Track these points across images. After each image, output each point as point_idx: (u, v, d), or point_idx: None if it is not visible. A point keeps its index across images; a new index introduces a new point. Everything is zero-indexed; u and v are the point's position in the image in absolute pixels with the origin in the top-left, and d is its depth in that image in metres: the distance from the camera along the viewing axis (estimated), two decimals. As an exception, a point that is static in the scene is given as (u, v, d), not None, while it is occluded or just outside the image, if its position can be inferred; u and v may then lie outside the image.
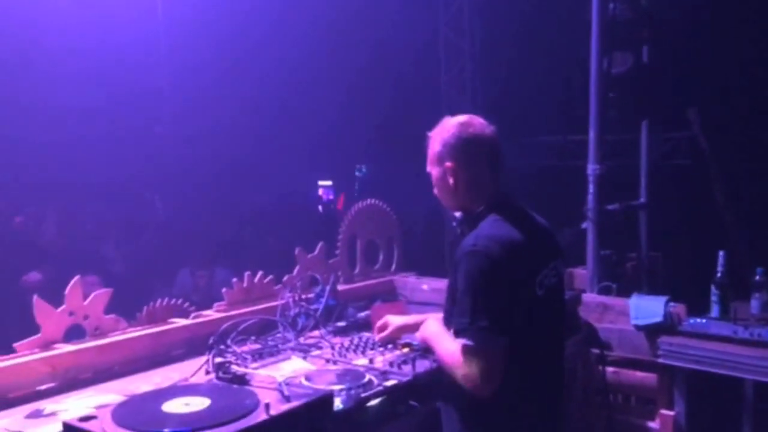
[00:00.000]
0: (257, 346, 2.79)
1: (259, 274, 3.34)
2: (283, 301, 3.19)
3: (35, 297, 2.57)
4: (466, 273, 2.05)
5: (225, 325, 2.77)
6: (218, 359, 2.40)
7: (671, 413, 3.22)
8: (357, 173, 11.94)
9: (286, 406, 1.95)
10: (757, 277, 3.37)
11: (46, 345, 2.54)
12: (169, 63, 7.66)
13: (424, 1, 7.95)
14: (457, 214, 2.28)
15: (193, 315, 3.01)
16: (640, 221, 4.66)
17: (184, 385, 2.30)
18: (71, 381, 2.49)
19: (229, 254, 6.55)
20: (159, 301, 2.96)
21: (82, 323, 2.67)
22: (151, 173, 7.93)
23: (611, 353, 3.39)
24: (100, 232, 6.83)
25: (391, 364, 2.51)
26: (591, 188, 3.96)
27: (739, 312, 3.31)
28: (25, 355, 2.46)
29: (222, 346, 2.65)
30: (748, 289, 3.40)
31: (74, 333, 2.70)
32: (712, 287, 3.35)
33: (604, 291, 3.84)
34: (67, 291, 2.62)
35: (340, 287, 3.49)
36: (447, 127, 2.26)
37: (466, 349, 2.04)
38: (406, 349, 2.71)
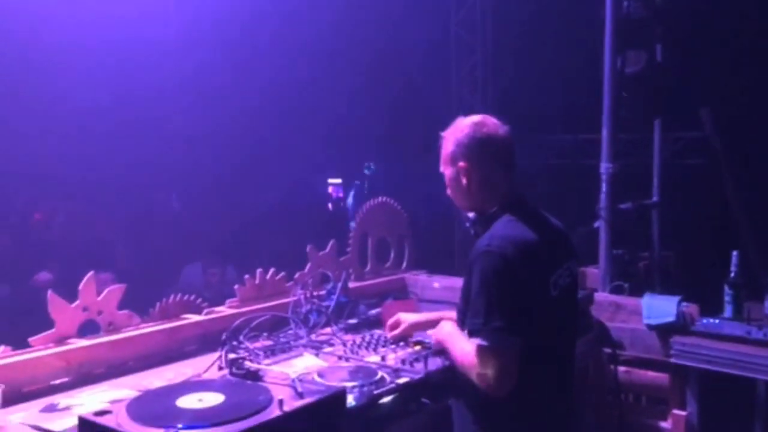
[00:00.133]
0: (269, 342, 2.80)
1: (271, 271, 3.36)
2: (294, 298, 3.20)
3: (50, 292, 2.59)
4: (481, 273, 2.05)
5: (237, 322, 2.78)
6: (231, 355, 2.41)
7: (683, 413, 3.20)
8: (366, 171, 11.94)
9: (299, 403, 1.96)
10: (771, 278, 3.35)
11: (61, 340, 2.56)
12: (179, 61, 7.67)
13: (436, 1, 7.94)
14: (471, 214, 2.27)
15: (205, 311, 3.03)
16: (652, 220, 4.63)
17: (198, 381, 2.31)
18: (85, 376, 2.50)
19: (238, 252, 6.58)
20: (172, 297, 2.97)
21: (96, 319, 2.69)
22: (162, 171, 7.96)
23: (623, 352, 3.38)
24: (112, 229, 6.87)
25: (403, 361, 2.52)
26: (604, 187, 3.94)
27: (753, 312, 3.29)
28: (40, 350, 2.48)
29: (234, 343, 2.67)
30: (761, 289, 3.37)
31: (88, 328, 2.72)
32: (726, 287, 3.33)
33: (617, 290, 3.83)
34: (81, 287, 2.64)
35: (351, 284, 3.49)
36: (461, 127, 2.26)
37: (480, 350, 2.04)
38: (418, 347, 2.71)
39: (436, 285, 3.83)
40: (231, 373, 2.30)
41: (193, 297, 3.04)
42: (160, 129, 7.68)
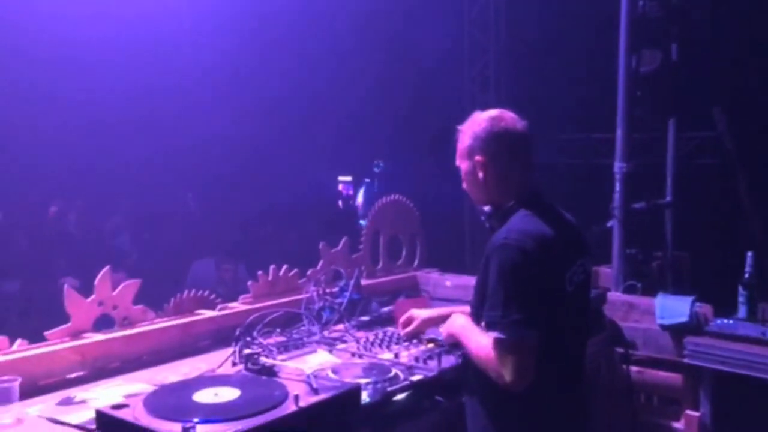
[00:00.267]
0: (282, 338, 2.81)
1: (284, 267, 3.37)
2: (307, 295, 3.21)
3: (66, 287, 2.61)
4: (499, 266, 2.05)
5: (251, 318, 2.79)
6: (246, 351, 2.42)
7: (697, 414, 3.19)
8: (375, 169, 11.93)
9: (314, 399, 1.97)
10: (786, 278, 3.33)
11: (76, 334, 2.58)
12: (195, 60, 7.71)
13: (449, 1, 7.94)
14: (486, 208, 2.27)
15: (219, 307, 3.04)
16: (665, 220, 4.61)
17: (214, 376, 2.32)
18: (100, 370, 2.52)
19: (248, 249, 6.61)
20: (186, 292, 2.99)
21: (111, 313, 2.71)
22: (177, 169, 8.01)
23: (636, 352, 3.37)
24: (126, 225, 6.92)
25: (416, 359, 2.52)
26: (618, 186, 3.93)
27: (767, 313, 3.27)
28: (56, 344, 2.50)
29: (248, 338, 2.68)
30: (776, 290, 3.35)
31: (102, 323, 2.74)
32: (740, 288, 3.30)
33: (630, 290, 3.81)
34: (96, 281, 2.65)
35: (363, 282, 3.50)
36: (478, 121, 2.25)
37: (498, 343, 2.03)
38: (431, 345, 2.71)
39: (448, 283, 3.83)
40: (246, 369, 2.31)
41: (206, 293, 3.05)
42: (175, 127, 7.72)
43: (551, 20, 7.12)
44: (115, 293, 2.70)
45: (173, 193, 8.22)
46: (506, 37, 7.87)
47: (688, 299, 3.29)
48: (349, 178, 11.56)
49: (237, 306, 3.10)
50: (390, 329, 3.01)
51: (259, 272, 3.29)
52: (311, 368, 2.31)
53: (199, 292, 3.04)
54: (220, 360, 2.56)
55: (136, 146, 7.41)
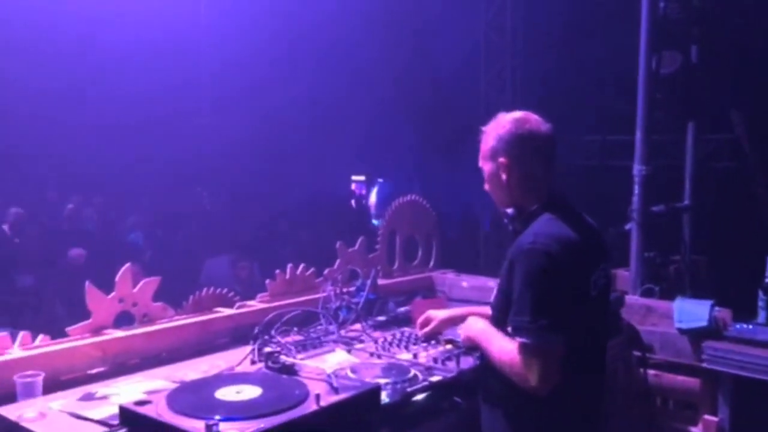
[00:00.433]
0: (300, 337, 2.82)
1: (301, 266, 3.37)
2: (324, 294, 3.21)
3: (87, 284, 2.63)
4: (526, 270, 2.04)
5: (270, 316, 2.80)
6: (267, 349, 2.43)
7: (715, 419, 3.17)
8: (388, 169, 11.94)
9: (335, 398, 1.98)
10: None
11: (97, 330, 2.60)
12: (215, 61, 7.78)
13: (467, 1, 7.93)
14: (509, 210, 2.26)
15: (237, 305, 3.05)
16: (683, 223, 4.58)
17: (236, 374, 2.33)
18: (120, 366, 2.54)
19: (262, 247, 6.63)
20: (205, 290, 3.00)
21: (131, 310, 2.72)
22: (194, 169, 8.07)
23: (653, 356, 3.35)
24: (142, 223, 6.96)
25: (435, 359, 2.52)
26: (636, 189, 3.90)
27: (787, 319, 3.24)
28: (78, 340, 2.52)
29: (266, 337, 2.69)
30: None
31: (122, 319, 2.76)
32: (760, 292, 3.28)
33: (647, 293, 3.79)
34: (117, 278, 2.67)
35: (379, 282, 3.50)
36: (502, 123, 2.24)
37: (524, 348, 2.03)
38: (449, 346, 2.71)
39: (464, 284, 3.82)
40: (267, 367, 2.32)
41: (225, 290, 3.07)
42: (193, 128, 7.79)
43: (568, 22, 7.10)
44: (135, 290, 2.72)
45: (189, 191, 8.28)
46: (523, 39, 7.85)
47: (707, 303, 3.26)
48: (362, 178, 11.61)
49: (255, 304, 3.12)
50: (407, 330, 3.01)
51: (277, 271, 3.30)
52: (331, 367, 2.31)
53: (218, 290, 3.05)
54: (238, 358, 2.56)
55: (155, 146, 7.48)
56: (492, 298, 2.32)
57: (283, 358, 2.35)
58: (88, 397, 2.24)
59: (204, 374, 2.40)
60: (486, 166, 2.28)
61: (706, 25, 4.10)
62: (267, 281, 3.26)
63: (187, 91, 7.64)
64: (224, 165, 8.21)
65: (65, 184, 7.38)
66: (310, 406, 1.91)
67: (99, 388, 2.31)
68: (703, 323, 3.19)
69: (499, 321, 2.20)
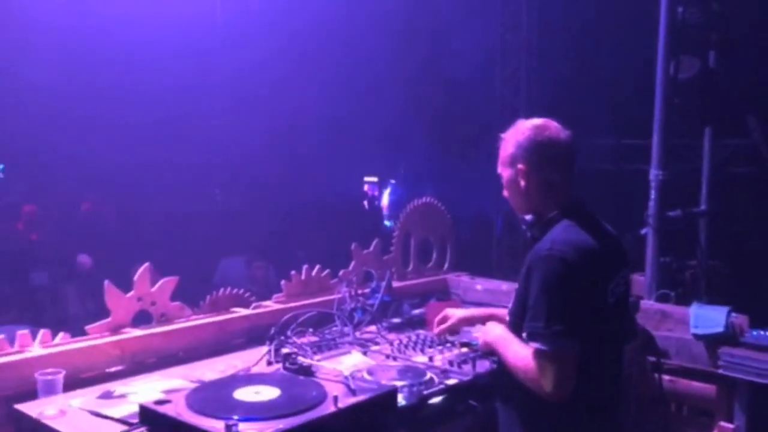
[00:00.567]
0: (315, 338, 2.83)
1: (317, 267, 3.39)
2: (339, 296, 3.22)
3: (107, 283, 2.65)
4: (542, 277, 2.04)
5: (286, 317, 2.82)
6: (284, 350, 2.44)
7: (731, 426, 3.15)
8: (401, 170, 11.95)
9: (353, 400, 1.99)
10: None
11: (116, 329, 2.62)
12: (229, 62, 7.82)
13: (482, 5, 7.93)
14: (527, 217, 2.26)
15: (253, 305, 3.07)
16: (700, 229, 4.55)
17: (254, 374, 2.35)
18: (138, 365, 2.57)
19: (274, 248, 6.66)
20: (222, 290, 3.02)
21: (149, 309, 2.74)
22: (208, 169, 8.13)
23: (668, 361, 3.33)
24: (159, 221, 7.01)
25: (450, 363, 2.53)
26: (653, 194, 3.88)
27: (805, 325, 3.22)
28: (97, 338, 2.54)
29: (282, 337, 2.71)
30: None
31: (138, 318, 2.78)
32: (777, 299, 3.26)
33: (663, 298, 3.77)
34: (136, 277, 2.70)
35: (394, 284, 3.51)
36: (521, 130, 2.24)
37: (539, 354, 2.03)
38: (464, 349, 2.71)
39: (478, 287, 3.82)
40: (284, 368, 2.33)
41: (241, 291, 3.09)
42: (211, 128, 7.84)
43: (584, 24, 7.08)
44: (153, 290, 2.74)
45: (203, 191, 8.33)
46: (538, 41, 7.84)
47: (724, 309, 3.24)
48: (374, 179, 11.62)
49: (270, 305, 3.14)
50: (422, 332, 3.02)
51: (293, 272, 3.31)
52: (347, 369, 2.32)
53: (234, 290, 3.07)
54: (254, 358, 2.58)
55: (173, 146, 7.53)
56: (510, 304, 2.32)
57: (300, 359, 2.36)
58: (107, 396, 2.26)
59: (221, 374, 2.42)
60: (505, 173, 2.28)
61: (725, 30, 4.07)
62: (282, 282, 3.27)
63: (205, 92, 7.70)
64: (240, 165, 8.25)
65: (82, 183, 7.44)
66: (328, 408, 1.92)
67: (117, 387, 2.33)
68: (720, 329, 3.17)
69: (515, 326, 2.20)
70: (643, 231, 3.89)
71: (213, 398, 1.97)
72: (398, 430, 2.15)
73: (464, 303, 3.65)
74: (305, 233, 7.57)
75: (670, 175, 3.97)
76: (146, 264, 2.71)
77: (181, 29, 7.11)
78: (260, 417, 1.85)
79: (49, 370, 2.24)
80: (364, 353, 2.68)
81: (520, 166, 2.22)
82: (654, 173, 3.87)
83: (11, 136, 7.65)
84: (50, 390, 2.20)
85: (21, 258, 6.50)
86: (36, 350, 2.40)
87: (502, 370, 2.25)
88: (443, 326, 2.76)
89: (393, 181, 11.85)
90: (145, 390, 2.29)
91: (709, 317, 3.23)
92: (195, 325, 2.78)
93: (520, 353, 2.11)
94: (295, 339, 2.74)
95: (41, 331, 2.46)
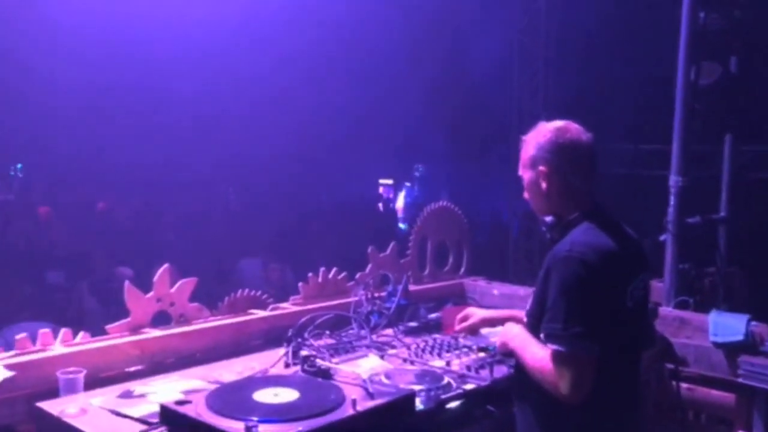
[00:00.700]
0: (332, 341, 2.83)
1: (334, 270, 3.40)
2: (356, 298, 3.23)
3: (127, 283, 2.67)
4: (561, 278, 2.04)
5: (303, 319, 2.83)
6: (303, 352, 2.45)
7: (749, 435, 3.12)
8: (416, 173, 11.97)
9: (371, 403, 1.99)
10: None
11: (135, 329, 2.64)
12: (248, 67, 7.88)
13: (500, 8, 7.93)
14: (548, 218, 2.25)
15: (270, 307, 3.08)
16: (719, 235, 4.51)
17: (273, 376, 2.36)
18: (157, 365, 2.58)
19: (290, 249, 6.68)
20: (240, 291, 3.04)
21: (168, 310, 2.76)
22: (226, 168, 8.18)
23: (687, 369, 3.30)
24: (174, 222, 7.06)
25: (468, 367, 2.52)
26: (672, 200, 3.85)
27: (826, 334, 3.18)
28: (117, 338, 2.56)
29: (299, 339, 2.71)
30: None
31: (156, 319, 2.80)
32: (797, 308, 3.22)
33: (681, 305, 3.74)
34: (155, 278, 2.72)
35: (410, 287, 3.50)
36: (543, 132, 2.24)
37: (557, 355, 2.03)
38: (482, 353, 2.71)
39: (495, 292, 3.81)
40: (303, 370, 2.34)
41: (259, 292, 3.10)
42: (231, 131, 7.89)
43: (602, 29, 7.06)
44: (172, 290, 2.76)
45: (220, 193, 8.38)
46: (556, 45, 7.81)
47: (744, 317, 3.21)
48: (390, 182, 11.64)
49: (288, 307, 3.14)
50: (438, 336, 3.01)
51: (310, 274, 3.32)
52: (365, 372, 2.32)
53: (252, 292, 3.08)
54: (271, 359, 2.59)
55: (192, 148, 7.59)
56: (528, 305, 2.32)
57: (319, 362, 2.37)
58: (127, 395, 2.28)
59: (238, 375, 2.44)
60: (526, 174, 2.29)
61: (747, 36, 4.04)
62: (300, 284, 3.29)
63: (223, 95, 7.76)
64: (259, 168, 8.30)
65: (99, 183, 7.52)
66: (347, 411, 1.92)
67: (137, 386, 2.35)
68: (740, 337, 3.14)
69: (533, 327, 2.20)
70: (662, 237, 3.87)
71: (233, 399, 1.99)
72: (415, 434, 2.15)
73: (481, 308, 3.63)
74: (320, 235, 7.60)
75: (689, 181, 3.94)
76: (165, 265, 2.73)
77: (201, 33, 7.17)
78: (279, 419, 1.86)
79: (71, 368, 2.26)
80: (381, 357, 2.68)
81: (541, 168, 2.22)
82: (674, 179, 3.84)
83: (30, 137, 7.75)
84: (71, 389, 2.22)
85: (37, 257, 6.57)
86: (58, 349, 2.43)
87: (521, 373, 2.25)
88: (464, 324, 2.75)
89: (408, 184, 11.87)
90: (164, 390, 2.30)
91: (728, 325, 3.20)
92: (213, 326, 2.80)
93: (537, 354, 2.11)
94: (312, 341, 2.75)
95: (62, 330, 2.49)
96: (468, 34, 7.83)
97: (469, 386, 2.38)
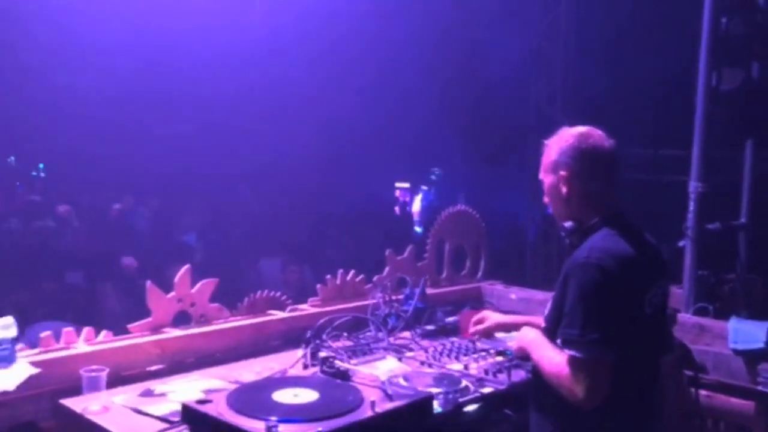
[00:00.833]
0: (350, 343, 2.85)
1: (352, 272, 3.42)
2: (374, 301, 3.25)
3: (148, 283, 2.71)
4: (579, 284, 2.04)
5: (321, 321, 2.85)
6: (322, 353, 2.46)
7: (769, 444, 3.09)
8: (432, 177, 11.96)
9: (390, 405, 2.00)
10: None
11: (157, 328, 2.68)
12: (265, 71, 7.95)
13: (519, 13, 7.92)
14: (567, 224, 2.26)
15: (289, 308, 3.10)
16: (739, 242, 4.47)
17: (292, 377, 2.38)
18: (178, 364, 2.61)
19: (307, 252, 6.72)
20: (259, 292, 3.06)
21: (189, 310, 2.80)
22: (247, 171, 8.25)
23: (706, 376, 3.28)
24: (195, 224, 7.12)
25: (486, 371, 2.53)
26: (692, 206, 3.83)
27: None
28: (139, 337, 2.60)
29: (318, 341, 2.73)
30: None
31: (177, 318, 2.83)
32: (819, 316, 3.19)
33: (701, 312, 3.72)
34: (176, 279, 2.75)
35: (427, 291, 3.51)
36: (565, 137, 2.25)
37: (573, 361, 2.03)
38: (499, 357, 2.71)
39: (513, 296, 3.81)
40: (322, 371, 2.36)
41: (278, 294, 3.13)
42: (250, 135, 7.96)
43: (621, 32, 7.03)
44: (193, 291, 2.79)
45: (239, 194, 8.45)
46: (575, 49, 7.79)
47: (764, 325, 3.18)
48: (406, 185, 11.65)
49: (306, 308, 3.17)
50: (456, 340, 3.02)
51: (328, 276, 3.35)
52: (383, 374, 2.34)
53: (271, 293, 3.11)
54: (289, 360, 2.62)
55: (215, 152, 7.66)
56: (546, 310, 2.32)
57: (337, 363, 2.38)
58: (148, 393, 2.31)
59: (257, 375, 2.46)
60: (546, 179, 2.29)
61: (768, 41, 4.00)
62: (318, 286, 3.31)
63: (241, 101, 7.84)
64: (278, 170, 8.36)
65: (122, 186, 7.60)
66: (366, 412, 1.94)
67: (157, 385, 2.39)
68: (760, 345, 3.11)
69: (551, 332, 2.20)
70: (681, 243, 3.85)
71: (253, 399, 2.01)
72: (433, 436, 2.16)
73: (498, 312, 3.63)
74: (338, 237, 7.62)
75: (709, 187, 3.91)
76: (186, 266, 2.76)
77: (219, 40, 7.25)
78: (299, 419, 1.87)
79: (94, 367, 2.29)
80: (399, 359, 2.69)
81: (562, 172, 2.22)
82: (693, 185, 3.82)
83: (52, 138, 7.86)
84: (94, 386, 2.25)
85: (55, 257, 6.65)
86: (81, 347, 2.46)
87: (537, 378, 2.25)
88: (479, 327, 2.75)
89: (424, 188, 11.87)
90: (185, 389, 2.33)
91: (748, 332, 3.18)
92: (233, 326, 2.83)
93: (554, 359, 2.11)
94: (330, 343, 2.77)
95: (85, 329, 2.53)
96: (486, 39, 7.84)
97: (486, 390, 2.38)
